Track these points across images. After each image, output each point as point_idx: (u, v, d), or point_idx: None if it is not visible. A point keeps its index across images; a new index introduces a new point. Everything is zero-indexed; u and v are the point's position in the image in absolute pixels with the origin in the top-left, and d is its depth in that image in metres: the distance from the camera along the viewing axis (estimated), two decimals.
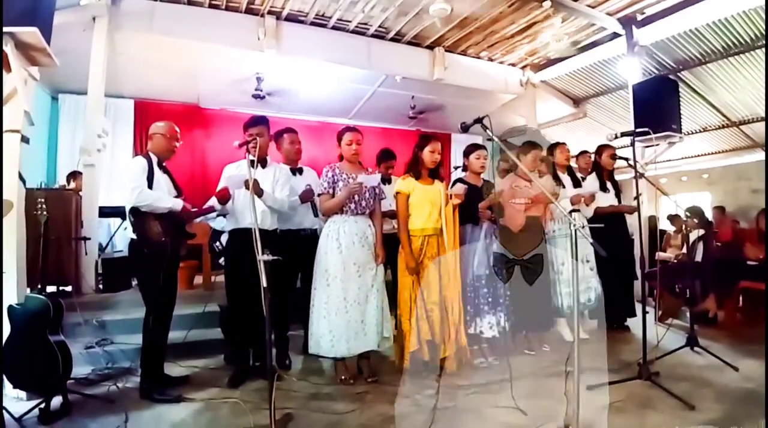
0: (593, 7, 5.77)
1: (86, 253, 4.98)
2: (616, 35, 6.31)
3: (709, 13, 5.45)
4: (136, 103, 7.72)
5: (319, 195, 3.62)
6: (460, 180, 4.09)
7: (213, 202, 3.53)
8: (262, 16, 5.88)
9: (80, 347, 3.88)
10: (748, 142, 8.21)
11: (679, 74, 6.76)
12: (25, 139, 3.25)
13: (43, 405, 2.81)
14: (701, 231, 5.63)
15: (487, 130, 2.81)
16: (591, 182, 4.89)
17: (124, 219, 5.12)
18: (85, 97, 5.31)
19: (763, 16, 5.29)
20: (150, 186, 3.19)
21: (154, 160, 3.32)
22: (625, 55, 6.27)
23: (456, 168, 7.15)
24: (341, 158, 3.66)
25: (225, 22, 5.78)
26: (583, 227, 2.64)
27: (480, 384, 3.43)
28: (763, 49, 5.80)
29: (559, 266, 4.48)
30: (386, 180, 4.61)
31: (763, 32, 5.56)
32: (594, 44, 6.82)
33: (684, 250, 6.41)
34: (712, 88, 6.98)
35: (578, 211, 4.54)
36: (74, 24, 5.00)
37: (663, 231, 7.97)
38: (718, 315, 5.09)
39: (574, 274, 2.50)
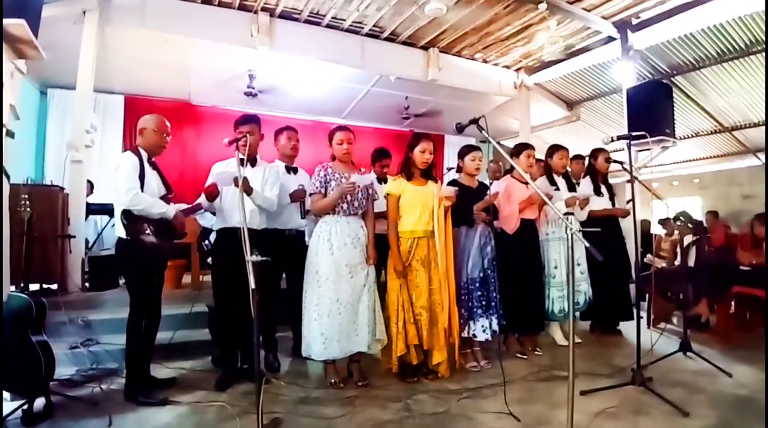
0: (589, 11, 5.76)
1: (70, 251, 4.89)
2: (611, 39, 6.31)
3: (704, 18, 5.46)
4: (127, 99, 7.63)
5: (310, 194, 3.55)
6: (454, 181, 4.05)
7: (201, 199, 3.47)
8: (256, 12, 5.83)
9: (64, 347, 3.79)
10: (740, 148, 8.28)
11: (672, 79, 6.79)
12: (10, 134, 3.18)
13: (26, 407, 2.74)
14: (694, 236, 5.64)
15: (483, 131, 2.77)
16: (585, 186, 4.88)
17: (111, 216, 5.06)
18: (74, 92, 5.22)
19: (759, 22, 5.31)
20: (141, 184, 3.12)
21: (144, 155, 3.23)
22: (620, 59, 6.27)
23: (450, 169, 7.15)
24: (334, 158, 3.60)
25: (218, 19, 5.71)
26: (578, 231, 2.60)
27: (472, 388, 3.38)
28: (758, 55, 5.83)
29: (552, 269, 4.46)
30: (382, 179, 4.58)
31: (758, 38, 5.58)
32: (588, 48, 6.81)
33: (677, 256, 6.44)
34: (706, 94, 7.03)
35: (572, 213, 4.54)
36: (64, 17, 4.91)
37: (656, 235, 7.98)
38: (710, 320, 5.09)
39: (570, 278, 2.47)
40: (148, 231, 3.10)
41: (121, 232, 3.12)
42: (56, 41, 4.47)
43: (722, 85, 6.70)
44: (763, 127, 7.37)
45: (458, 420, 2.88)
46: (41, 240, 4.48)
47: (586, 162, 5.18)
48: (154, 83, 7.34)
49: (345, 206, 3.47)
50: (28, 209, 3.16)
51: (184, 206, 3.46)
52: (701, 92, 7.02)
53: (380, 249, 3.64)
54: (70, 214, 4.94)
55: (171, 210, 3.24)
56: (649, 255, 6.42)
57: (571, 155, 4.93)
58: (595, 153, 5.00)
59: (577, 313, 4.78)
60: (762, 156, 8.25)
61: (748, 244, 5.32)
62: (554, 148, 4.77)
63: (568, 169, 4.91)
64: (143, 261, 3.13)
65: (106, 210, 5.44)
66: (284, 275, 4.11)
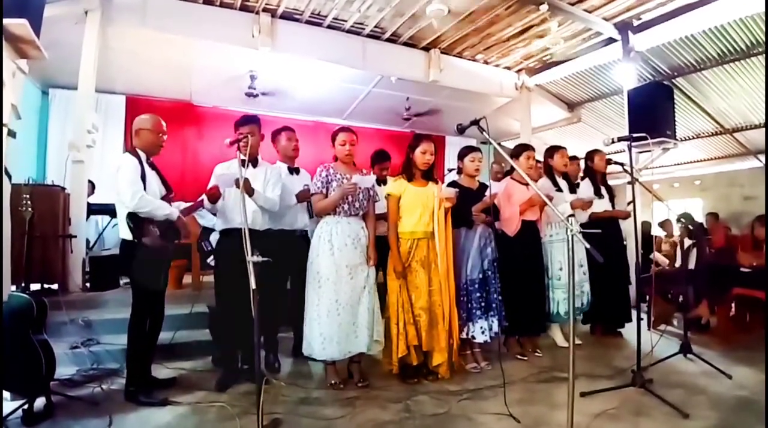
0: (590, 12, 5.76)
1: (72, 251, 4.89)
2: (612, 40, 6.31)
3: (706, 20, 5.46)
4: (128, 99, 7.64)
5: (312, 195, 3.56)
6: (453, 183, 4.05)
7: (203, 200, 3.46)
8: (257, 13, 5.83)
9: (65, 347, 3.80)
10: (741, 150, 8.29)
11: (673, 80, 6.79)
12: (11, 133, 3.19)
13: (26, 406, 2.74)
14: (693, 238, 5.64)
15: (484, 132, 2.77)
16: (585, 187, 4.87)
17: (112, 216, 5.06)
18: (76, 92, 5.22)
19: (760, 23, 5.31)
20: (144, 186, 3.12)
21: (143, 156, 3.24)
22: (621, 60, 6.28)
23: (450, 170, 7.15)
24: (336, 159, 3.61)
25: (219, 19, 5.72)
26: (578, 232, 2.59)
27: (472, 389, 3.38)
28: (759, 57, 5.84)
29: (556, 271, 4.45)
30: (381, 181, 4.58)
31: (759, 39, 5.58)
32: (589, 49, 6.81)
33: (677, 257, 6.44)
34: (707, 95, 7.04)
35: (573, 215, 4.53)
36: (66, 17, 4.92)
37: (656, 237, 7.99)
38: (710, 322, 5.08)
39: (571, 279, 2.47)
40: (155, 234, 3.11)
41: (125, 234, 3.12)
42: (58, 41, 4.47)
43: (723, 87, 6.71)
44: (764, 129, 7.37)
45: (458, 421, 2.88)
46: (42, 240, 4.48)
47: (582, 163, 5.19)
48: (155, 83, 7.35)
49: (346, 207, 3.47)
50: (30, 209, 3.16)
51: (184, 205, 3.47)
52: (702, 94, 7.02)
53: (379, 251, 3.64)
54: (71, 214, 4.94)
55: (175, 212, 3.24)
56: (656, 253, 6.40)
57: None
58: (591, 154, 5.01)
59: (581, 315, 4.78)
60: (763, 157, 8.26)
61: (749, 246, 5.33)
62: (554, 149, 4.76)
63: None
64: (149, 262, 3.13)
65: (107, 210, 5.45)
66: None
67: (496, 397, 3.18)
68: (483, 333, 3.78)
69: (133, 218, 3.06)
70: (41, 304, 2.90)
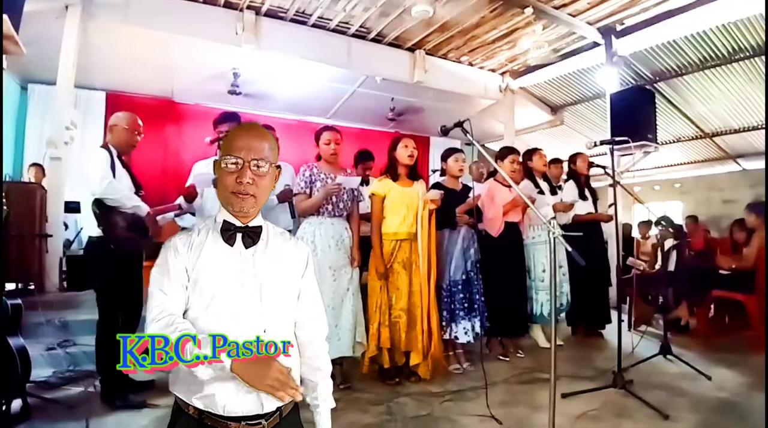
0: (574, 16, 5.80)
1: (47, 251, 4.79)
2: (595, 44, 6.36)
3: (688, 26, 5.53)
4: (108, 96, 7.47)
5: (295, 194, 3.51)
6: (438, 184, 4.05)
7: (180, 200, 3.41)
8: (241, 10, 5.77)
9: (41, 348, 3.71)
10: (721, 154, 8.41)
11: (655, 85, 6.87)
12: None
13: (2, 408, 2.67)
14: (674, 240, 5.71)
15: (468, 134, 2.77)
16: (570, 189, 4.91)
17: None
18: (55, 88, 5.12)
19: (742, 29, 5.39)
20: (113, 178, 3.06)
21: (114, 152, 3.16)
22: (604, 64, 6.33)
23: (434, 171, 7.15)
24: (318, 158, 3.57)
25: (202, 16, 5.65)
26: (560, 235, 2.59)
27: (454, 391, 3.39)
28: (740, 63, 5.93)
29: (539, 272, 4.47)
30: (364, 181, 4.55)
31: (741, 46, 5.67)
32: (573, 53, 6.87)
33: (657, 259, 6.51)
34: (688, 100, 7.12)
35: (554, 218, 4.56)
36: (46, 12, 4.81)
37: (636, 239, 8.07)
38: (690, 323, 5.15)
39: (553, 281, 2.47)
40: (122, 223, 3.03)
41: (91, 231, 3.06)
42: (38, 36, 4.37)
43: (704, 92, 6.80)
44: (744, 134, 7.51)
45: (440, 423, 2.88)
46: (18, 238, 4.38)
47: (566, 166, 5.23)
48: (136, 80, 7.21)
49: (330, 207, 3.43)
50: (5, 207, 3.08)
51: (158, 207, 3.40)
52: (683, 98, 7.11)
53: (362, 252, 3.62)
54: (48, 213, 4.84)
55: (144, 207, 3.16)
56: (630, 258, 6.48)
57: (549, 159, 4.97)
58: (574, 157, 5.06)
59: (563, 315, 4.81)
60: (742, 162, 8.42)
61: (728, 249, 5.41)
62: (532, 151, 4.81)
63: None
64: (117, 257, 3.04)
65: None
66: None
67: (479, 398, 3.18)
68: (466, 333, 3.78)
69: (99, 205, 2.99)
70: (16, 305, 2.84)
